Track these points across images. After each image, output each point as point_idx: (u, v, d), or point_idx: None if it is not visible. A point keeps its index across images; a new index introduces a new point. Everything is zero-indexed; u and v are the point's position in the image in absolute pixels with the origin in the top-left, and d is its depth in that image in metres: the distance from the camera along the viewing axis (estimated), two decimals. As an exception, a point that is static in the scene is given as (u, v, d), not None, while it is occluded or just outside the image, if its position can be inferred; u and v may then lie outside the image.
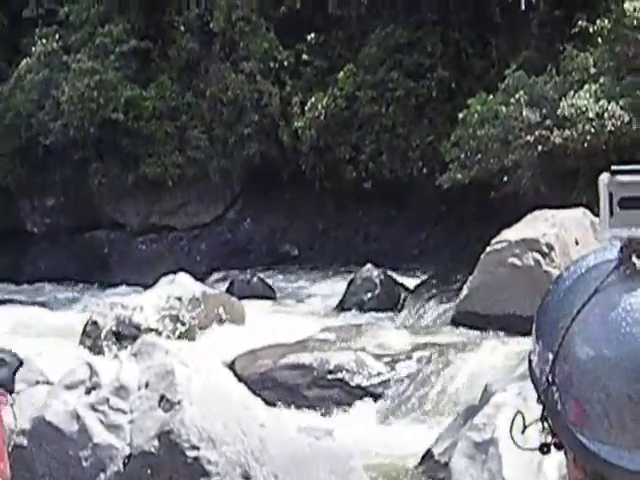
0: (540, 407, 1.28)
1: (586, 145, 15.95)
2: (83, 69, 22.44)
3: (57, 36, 23.58)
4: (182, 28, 22.97)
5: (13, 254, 23.80)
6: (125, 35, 22.99)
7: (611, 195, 1.41)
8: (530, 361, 1.33)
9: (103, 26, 23.27)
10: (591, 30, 16.89)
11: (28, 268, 23.44)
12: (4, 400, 1.29)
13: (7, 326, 15.35)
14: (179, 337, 13.81)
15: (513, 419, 1.32)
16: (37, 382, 9.90)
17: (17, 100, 23.36)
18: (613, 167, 1.42)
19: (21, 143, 23.33)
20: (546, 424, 1.29)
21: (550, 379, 1.25)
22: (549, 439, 1.30)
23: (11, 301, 20.70)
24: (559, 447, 1.30)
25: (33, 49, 23.43)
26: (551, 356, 1.26)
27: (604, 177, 1.43)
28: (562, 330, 1.25)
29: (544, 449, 1.31)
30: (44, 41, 23.41)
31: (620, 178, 1.41)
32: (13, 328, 15.09)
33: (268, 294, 18.50)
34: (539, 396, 1.29)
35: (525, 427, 1.31)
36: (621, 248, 1.27)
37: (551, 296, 1.31)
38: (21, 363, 10.69)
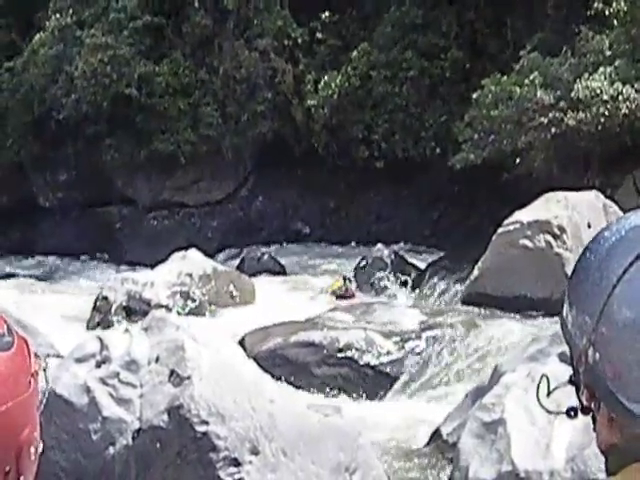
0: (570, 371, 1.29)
1: (600, 128, 15.87)
2: (97, 44, 22.39)
3: (71, 11, 23.52)
4: (196, 4, 22.88)
5: (25, 228, 23.86)
6: (139, 10, 22.93)
7: None
8: (563, 324, 1.32)
9: (117, 1, 23.21)
10: (607, 12, 16.77)
11: (40, 242, 23.48)
12: (39, 365, 1.32)
13: (18, 300, 15.40)
14: (189, 313, 13.84)
15: (539, 383, 1.33)
16: (47, 355, 9.94)
17: (30, 75, 23.35)
18: None
19: (34, 118, 23.34)
20: (574, 388, 1.29)
21: (592, 340, 1.25)
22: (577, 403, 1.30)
23: (22, 275, 20.78)
24: (586, 412, 1.30)
25: (47, 23, 23.38)
26: (588, 319, 1.26)
27: None
28: (605, 291, 1.24)
29: (571, 413, 1.31)
30: (58, 15, 23.36)
31: None
32: (24, 302, 15.14)
33: (279, 271, 18.52)
34: (572, 359, 1.29)
35: (550, 391, 1.32)
36: None
37: (588, 259, 1.30)
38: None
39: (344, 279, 16.43)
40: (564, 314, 1.32)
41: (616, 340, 1.22)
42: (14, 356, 1.34)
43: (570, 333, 1.30)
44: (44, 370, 1.41)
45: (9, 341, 1.35)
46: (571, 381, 1.31)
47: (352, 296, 16.06)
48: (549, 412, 1.35)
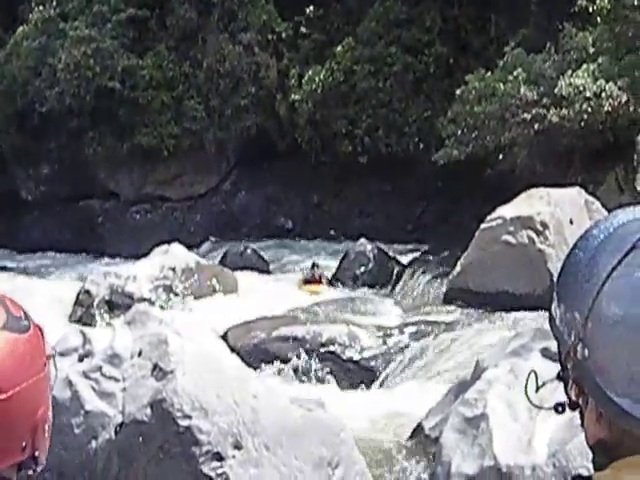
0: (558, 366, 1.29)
1: (583, 124, 15.93)
2: (80, 37, 22.31)
3: (54, 3, 23.42)
4: (180, -3, 22.83)
5: (7, 222, 23.75)
6: (122, 3, 22.86)
7: None
8: (552, 320, 1.33)
9: (101, -6, 23.13)
10: (591, 9, 16.81)
11: (22, 236, 23.40)
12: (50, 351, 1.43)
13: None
14: (172, 307, 13.82)
15: (527, 378, 1.33)
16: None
17: (13, 67, 23.25)
18: None
19: (17, 110, 23.24)
20: (562, 383, 1.30)
21: (581, 336, 1.26)
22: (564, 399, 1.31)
23: (4, 268, 20.69)
24: (573, 407, 1.31)
25: (30, 16, 23.29)
26: (577, 315, 1.26)
27: None
28: (595, 287, 1.25)
29: (559, 408, 1.32)
30: (41, 8, 23.27)
31: None
32: (5, 295, 15.06)
33: (261, 266, 18.51)
34: (560, 355, 1.30)
35: (538, 387, 1.32)
36: None
37: (577, 256, 1.31)
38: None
39: (312, 265, 16.92)
40: (553, 310, 1.33)
41: (605, 336, 1.23)
42: (31, 338, 1.43)
43: (559, 329, 1.31)
44: (52, 357, 1.50)
45: (26, 324, 1.44)
46: (559, 377, 1.32)
47: (319, 281, 16.46)
48: (537, 407, 1.36)
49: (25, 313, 1.45)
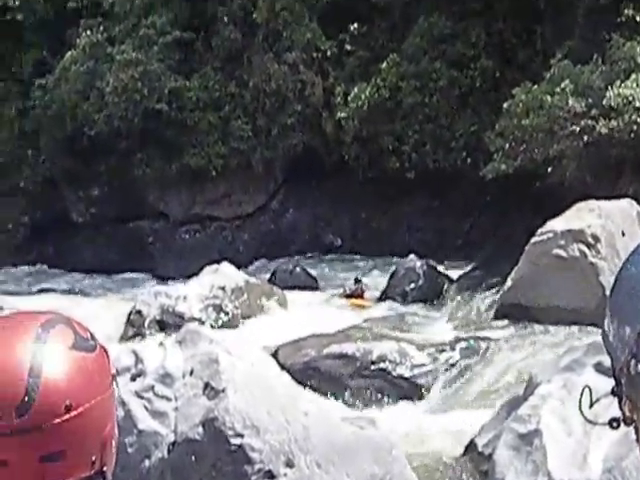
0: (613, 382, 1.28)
1: (632, 135, 15.76)
2: (127, 60, 22.55)
3: (101, 27, 23.73)
4: (225, 19, 23.00)
5: (58, 243, 24.03)
6: (169, 26, 23.08)
7: None
8: (605, 335, 1.31)
9: (147, 17, 23.39)
10: (638, 19, 16.67)
11: (73, 257, 23.63)
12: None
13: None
14: (222, 326, 13.86)
15: (581, 393, 1.31)
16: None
17: (62, 91, 23.53)
18: None
19: (66, 134, 23.52)
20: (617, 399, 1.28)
21: (633, 352, 1.24)
22: (619, 414, 1.29)
23: (55, 290, 20.90)
24: (628, 422, 1.29)
25: (78, 41, 23.58)
26: (629, 331, 1.24)
27: None
28: None
29: (614, 424, 1.30)
30: (89, 32, 23.57)
31: None
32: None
33: (311, 284, 18.51)
34: (614, 371, 1.28)
35: (592, 402, 1.30)
36: None
37: (629, 270, 1.29)
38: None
39: (355, 279, 17.27)
40: (606, 325, 1.31)
41: None
42: (97, 357, 1.51)
43: (612, 344, 1.29)
44: (116, 376, 1.57)
45: (93, 344, 1.51)
46: (613, 392, 1.30)
47: (361, 296, 16.74)
48: (591, 423, 1.34)
49: (91, 334, 1.53)
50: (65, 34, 24.44)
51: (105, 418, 1.49)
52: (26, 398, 1.40)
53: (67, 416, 1.42)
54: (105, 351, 1.54)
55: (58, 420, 1.41)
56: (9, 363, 1.42)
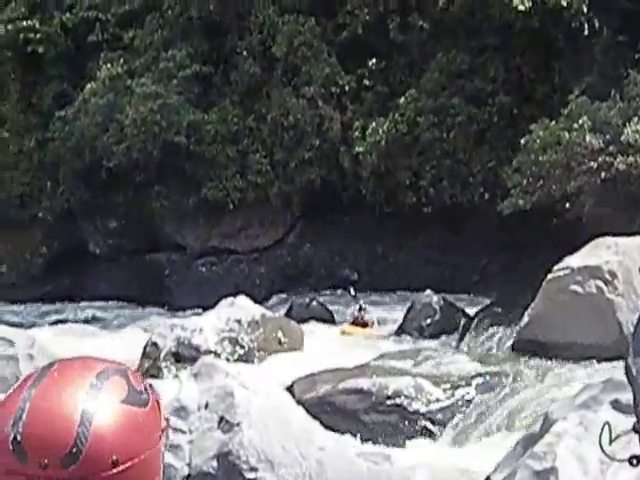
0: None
1: (650, 172, 15.75)
2: (146, 93, 22.72)
3: (121, 60, 23.94)
4: (244, 53, 23.17)
5: (75, 274, 24.11)
6: (188, 60, 23.25)
7: None
8: (629, 372, 1.31)
9: (167, 51, 23.58)
10: (656, 56, 16.72)
11: (89, 289, 23.70)
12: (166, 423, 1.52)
13: (67, 345, 15.50)
14: (238, 360, 13.83)
15: (602, 430, 1.31)
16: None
17: (82, 123, 23.71)
18: None
19: (85, 165, 23.66)
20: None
21: None
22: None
23: (72, 321, 20.93)
24: None
25: (98, 73, 23.79)
26: None
27: None
28: None
29: (633, 461, 1.30)
30: (109, 65, 23.77)
31: None
32: (73, 347, 15.23)
33: (327, 318, 18.49)
34: (636, 407, 1.27)
35: (612, 439, 1.30)
36: None
37: None
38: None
39: (359, 307, 17.51)
40: (629, 362, 1.31)
41: None
42: (149, 412, 1.48)
43: (635, 380, 1.29)
44: (167, 429, 1.54)
45: (146, 398, 1.49)
46: (634, 429, 1.29)
47: (364, 324, 17.06)
48: (612, 459, 1.33)
49: (145, 386, 1.51)
50: (85, 67, 24.67)
51: (152, 473, 1.48)
52: (74, 449, 1.38)
53: (113, 471, 1.40)
54: (158, 403, 1.52)
55: (104, 474, 1.40)
56: (60, 411, 1.40)
